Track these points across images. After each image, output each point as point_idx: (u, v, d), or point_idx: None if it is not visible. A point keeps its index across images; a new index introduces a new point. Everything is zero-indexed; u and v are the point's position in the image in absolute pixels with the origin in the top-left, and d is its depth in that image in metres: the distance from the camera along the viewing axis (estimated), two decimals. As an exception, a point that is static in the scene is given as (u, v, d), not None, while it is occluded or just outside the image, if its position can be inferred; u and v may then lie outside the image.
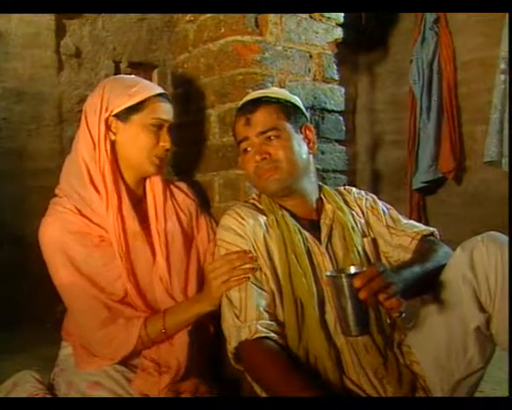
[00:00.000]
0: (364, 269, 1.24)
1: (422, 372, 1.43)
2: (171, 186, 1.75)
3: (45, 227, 1.56)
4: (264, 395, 1.43)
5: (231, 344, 1.41)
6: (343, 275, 1.22)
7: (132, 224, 1.59)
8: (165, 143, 1.62)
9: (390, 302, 1.19)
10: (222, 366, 1.72)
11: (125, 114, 1.59)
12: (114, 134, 1.60)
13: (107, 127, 1.59)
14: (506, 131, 3.30)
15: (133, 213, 1.60)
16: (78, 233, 1.55)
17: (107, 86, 1.62)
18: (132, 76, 1.74)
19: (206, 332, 1.71)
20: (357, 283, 1.18)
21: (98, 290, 1.54)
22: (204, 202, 1.85)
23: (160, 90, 1.65)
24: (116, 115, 1.59)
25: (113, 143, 1.60)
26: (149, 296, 1.60)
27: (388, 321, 1.46)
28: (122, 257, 1.56)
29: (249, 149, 1.54)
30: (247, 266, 1.45)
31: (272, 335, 1.38)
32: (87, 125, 1.60)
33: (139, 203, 1.66)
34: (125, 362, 1.57)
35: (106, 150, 1.57)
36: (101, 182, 1.56)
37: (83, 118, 1.62)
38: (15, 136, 3.08)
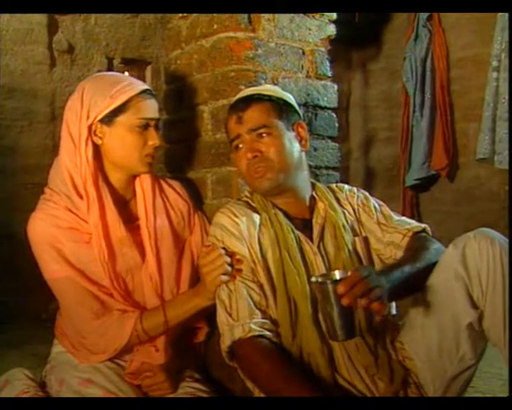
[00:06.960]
0: (349, 274, 1.24)
1: (415, 368, 1.43)
2: (163, 183, 1.73)
3: (35, 222, 1.55)
4: (257, 392, 1.43)
5: (225, 343, 1.41)
6: (328, 282, 1.23)
7: (118, 229, 1.56)
8: (154, 140, 1.59)
9: (373, 306, 1.19)
10: (210, 365, 1.72)
11: (109, 117, 1.55)
12: (101, 138, 1.56)
13: (92, 133, 1.55)
14: (498, 129, 3.32)
15: (118, 218, 1.57)
16: (68, 229, 1.54)
17: (87, 88, 1.56)
18: (112, 72, 1.69)
19: (194, 335, 1.71)
20: (340, 289, 1.19)
21: (89, 283, 1.53)
22: (197, 198, 1.84)
23: (142, 86, 1.60)
24: (100, 120, 1.55)
25: (98, 147, 1.57)
26: (137, 297, 1.59)
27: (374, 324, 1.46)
28: (104, 265, 1.53)
29: (241, 145, 1.54)
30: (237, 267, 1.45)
31: (266, 333, 1.38)
32: (68, 130, 1.56)
33: (128, 204, 1.64)
34: (117, 359, 1.57)
35: (87, 156, 1.54)
36: (83, 188, 1.54)
37: (64, 123, 1.58)
38: (7, 132, 3.06)
